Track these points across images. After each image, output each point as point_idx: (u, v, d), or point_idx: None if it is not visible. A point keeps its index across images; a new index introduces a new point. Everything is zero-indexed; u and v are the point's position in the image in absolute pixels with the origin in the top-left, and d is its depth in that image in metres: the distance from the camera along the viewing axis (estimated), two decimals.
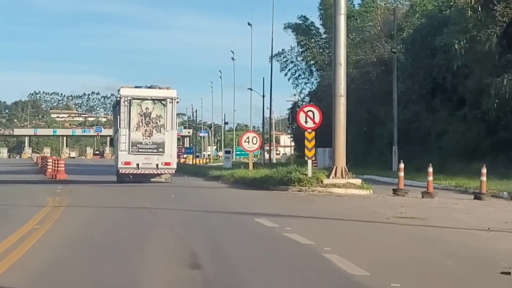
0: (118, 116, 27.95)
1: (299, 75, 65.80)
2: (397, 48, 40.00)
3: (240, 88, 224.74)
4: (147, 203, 17.44)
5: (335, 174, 21.52)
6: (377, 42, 50.17)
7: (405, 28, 46.72)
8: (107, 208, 16.39)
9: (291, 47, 65.48)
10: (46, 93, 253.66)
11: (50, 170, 35.41)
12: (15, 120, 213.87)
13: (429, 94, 40.23)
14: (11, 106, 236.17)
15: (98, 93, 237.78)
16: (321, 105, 57.32)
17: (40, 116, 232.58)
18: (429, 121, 40.03)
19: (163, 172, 27.81)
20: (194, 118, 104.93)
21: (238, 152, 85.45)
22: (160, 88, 28.42)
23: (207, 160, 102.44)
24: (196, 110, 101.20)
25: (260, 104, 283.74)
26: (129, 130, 27.14)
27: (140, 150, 27.20)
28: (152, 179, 28.07)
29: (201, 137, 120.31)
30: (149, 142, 27.22)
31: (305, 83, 66.10)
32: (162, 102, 27.54)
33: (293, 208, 16.53)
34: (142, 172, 27.36)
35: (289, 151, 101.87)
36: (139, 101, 27.43)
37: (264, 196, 21.07)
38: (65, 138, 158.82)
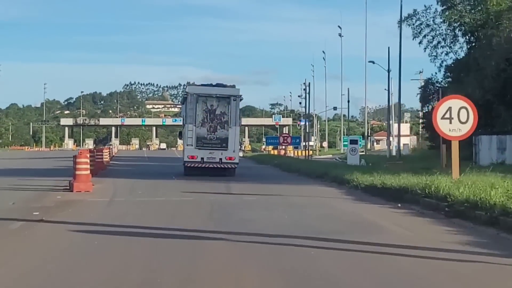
0: (185, 112, 29.63)
1: (438, 42, 50.05)
2: None
3: (339, 79, 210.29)
4: None
5: None
6: None
7: None
8: None
9: (425, 6, 49.99)
10: (141, 84, 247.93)
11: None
12: (110, 111, 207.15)
13: None
14: (106, 97, 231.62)
15: (194, 84, 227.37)
16: (476, 80, 42.51)
17: (135, 107, 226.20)
18: None
19: (226, 166, 28.74)
20: (302, 105, 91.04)
21: (346, 143, 70.64)
22: (225, 86, 29.79)
23: (312, 152, 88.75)
24: (307, 89, 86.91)
25: (357, 95, 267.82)
26: (195, 125, 28.43)
27: (205, 145, 28.44)
28: (215, 173, 28.42)
29: (300, 126, 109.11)
30: (214, 138, 28.47)
31: (446, 53, 50.23)
32: (227, 99, 28.62)
33: None
34: (206, 166, 28.46)
35: (407, 141, 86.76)
36: (205, 98, 28.64)
37: None
38: (154, 128, 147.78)
